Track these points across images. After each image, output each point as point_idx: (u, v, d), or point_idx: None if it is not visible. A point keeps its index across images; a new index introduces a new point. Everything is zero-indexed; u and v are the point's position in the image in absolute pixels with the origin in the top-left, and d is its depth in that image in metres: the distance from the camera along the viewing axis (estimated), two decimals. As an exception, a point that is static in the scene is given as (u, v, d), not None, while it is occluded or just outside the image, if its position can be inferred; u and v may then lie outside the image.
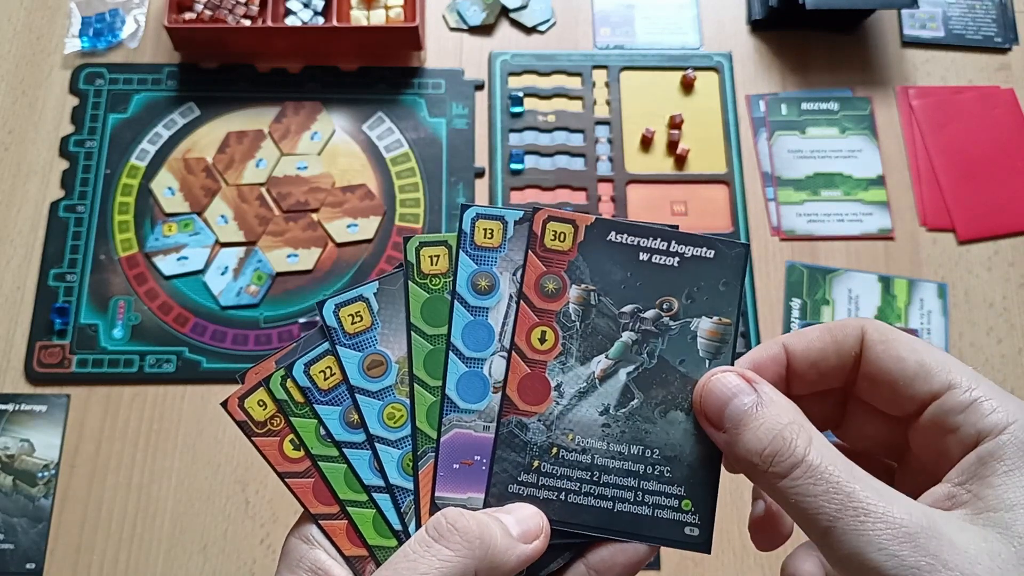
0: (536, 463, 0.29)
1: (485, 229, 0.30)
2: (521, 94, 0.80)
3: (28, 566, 0.65)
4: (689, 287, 0.29)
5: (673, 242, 0.29)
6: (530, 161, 0.79)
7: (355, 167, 0.78)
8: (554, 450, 0.29)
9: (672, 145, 0.79)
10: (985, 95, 0.83)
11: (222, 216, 0.76)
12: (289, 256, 0.75)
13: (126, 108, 0.79)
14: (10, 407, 0.69)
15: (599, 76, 0.82)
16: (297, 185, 0.77)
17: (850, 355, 0.28)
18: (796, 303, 0.75)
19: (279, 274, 0.74)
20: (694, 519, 0.28)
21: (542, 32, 0.84)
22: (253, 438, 0.29)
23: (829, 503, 0.23)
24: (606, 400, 0.29)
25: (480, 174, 0.78)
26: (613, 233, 0.29)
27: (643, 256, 0.29)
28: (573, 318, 0.29)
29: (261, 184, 0.77)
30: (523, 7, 0.84)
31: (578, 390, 0.29)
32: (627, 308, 0.29)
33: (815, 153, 0.80)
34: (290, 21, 0.80)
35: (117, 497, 0.67)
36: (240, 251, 0.75)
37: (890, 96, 0.83)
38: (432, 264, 0.29)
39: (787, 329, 0.74)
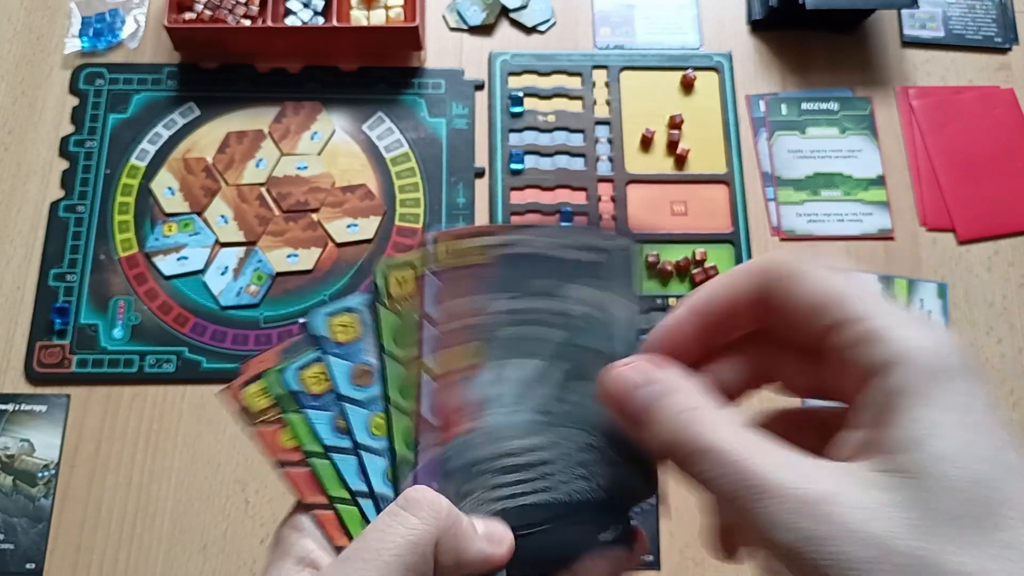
0: (484, 478, 0.29)
1: (398, 279, 0.30)
2: (521, 94, 0.80)
3: (28, 566, 0.65)
4: (593, 277, 0.30)
5: (578, 237, 0.30)
6: (530, 161, 0.79)
7: (355, 167, 0.78)
8: (499, 461, 0.29)
9: (672, 145, 0.79)
10: (985, 95, 0.83)
11: (222, 216, 0.76)
12: (289, 256, 0.75)
13: (126, 108, 0.79)
14: (10, 407, 0.69)
15: (599, 76, 0.82)
16: (297, 185, 0.77)
17: (755, 297, 0.26)
18: (796, 303, 0.74)
19: (279, 274, 0.74)
20: (644, 480, 0.29)
21: (542, 32, 0.84)
22: (250, 426, 0.29)
23: (734, 485, 0.22)
24: (537, 400, 0.29)
25: (480, 174, 0.78)
26: (514, 239, 0.30)
27: (547, 255, 0.30)
28: (490, 332, 0.29)
29: (261, 184, 0.77)
30: (523, 7, 0.84)
31: (509, 398, 0.29)
32: (542, 305, 0.30)
33: (815, 153, 0.80)
34: (290, 21, 0.80)
35: (117, 497, 0.67)
36: (240, 251, 0.75)
37: (890, 96, 0.83)
38: (400, 287, 0.30)
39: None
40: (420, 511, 0.26)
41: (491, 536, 0.28)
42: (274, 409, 0.29)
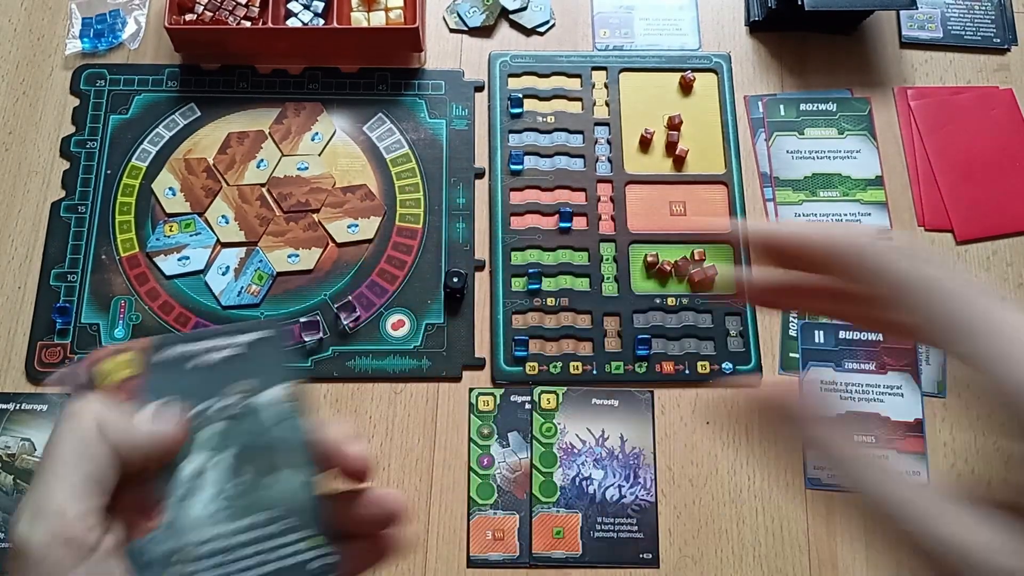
0: (179, 567, 0.30)
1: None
2: (521, 95, 0.80)
3: (29, 565, 0.65)
4: (250, 368, 0.34)
5: (223, 336, 0.34)
6: (529, 162, 0.79)
7: (356, 167, 0.78)
8: (186, 552, 0.30)
9: (671, 146, 0.80)
10: (983, 95, 0.83)
11: (223, 216, 0.76)
12: (290, 256, 0.75)
13: (127, 109, 0.80)
14: (11, 406, 0.69)
15: (598, 77, 0.82)
16: (298, 185, 0.77)
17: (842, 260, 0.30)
18: (795, 303, 0.75)
19: (280, 274, 0.74)
20: (328, 548, 0.31)
21: (541, 33, 0.85)
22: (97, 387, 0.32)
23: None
24: (217, 488, 0.31)
25: (480, 175, 0.79)
26: (175, 348, 0.33)
27: (205, 357, 0.33)
28: None
29: (262, 184, 0.78)
30: (523, 9, 0.84)
31: (186, 491, 0.31)
32: (209, 403, 0.33)
33: (813, 154, 0.80)
34: (291, 23, 0.80)
35: (118, 496, 0.67)
36: (241, 251, 0.75)
37: (888, 97, 0.83)
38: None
39: (785, 329, 0.74)
40: (77, 415, 0.29)
41: (158, 415, 0.30)
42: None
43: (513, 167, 0.78)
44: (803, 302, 0.33)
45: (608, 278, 0.75)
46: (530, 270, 0.75)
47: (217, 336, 0.33)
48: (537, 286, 0.74)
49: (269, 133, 0.79)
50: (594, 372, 0.72)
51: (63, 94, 0.80)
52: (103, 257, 0.74)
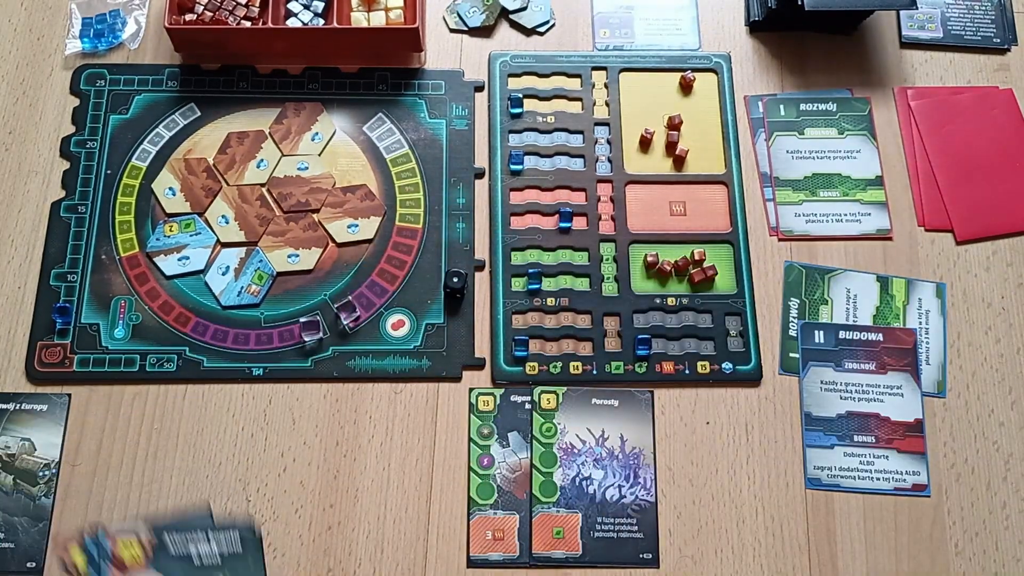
0: None
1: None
2: (521, 95, 0.80)
3: (29, 564, 0.65)
4: (230, 564, 0.42)
5: (212, 531, 0.43)
6: (529, 162, 0.79)
7: (356, 168, 0.78)
8: None
9: (671, 146, 0.80)
10: (983, 95, 0.83)
11: (223, 216, 0.76)
12: (290, 256, 0.75)
13: (127, 109, 0.80)
14: (11, 406, 0.69)
15: (598, 77, 0.82)
16: (298, 185, 0.77)
17: None
18: (794, 303, 0.75)
19: (280, 274, 0.74)
20: None
21: (541, 33, 0.85)
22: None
23: None
24: None
25: (480, 175, 0.79)
26: (173, 540, 0.42)
27: (197, 550, 0.43)
28: None
29: (262, 184, 0.78)
30: (523, 9, 0.84)
31: None
32: None
33: (813, 154, 0.80)
34: (291, 23, 0.80)
35: (118, 496, 0.67)
36: (241, 251, 0.75)
37: (889, 97, 0.83)
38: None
39: (785, 328, 0.74)
40: None
41: None
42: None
43: (513, 167, 0.78)
44: None
45: (608, 278, 0.75)
46: (530, 270, 0.75)
47: (207, 530, 0.43)
48: (537, 286, 0.74)
49: (269, 133, 0.79)
50: (594, 372, 0.72)
51: (63, 94, 0.80)
52: (103, 257, 0.74)
